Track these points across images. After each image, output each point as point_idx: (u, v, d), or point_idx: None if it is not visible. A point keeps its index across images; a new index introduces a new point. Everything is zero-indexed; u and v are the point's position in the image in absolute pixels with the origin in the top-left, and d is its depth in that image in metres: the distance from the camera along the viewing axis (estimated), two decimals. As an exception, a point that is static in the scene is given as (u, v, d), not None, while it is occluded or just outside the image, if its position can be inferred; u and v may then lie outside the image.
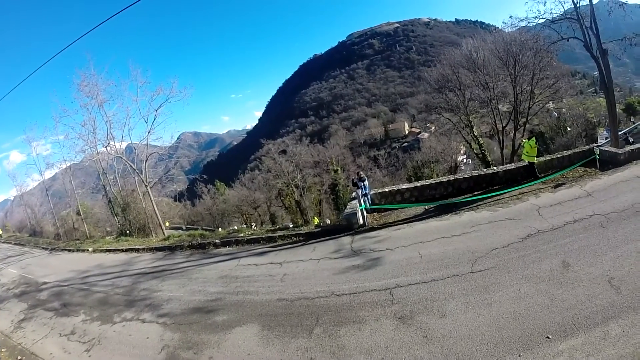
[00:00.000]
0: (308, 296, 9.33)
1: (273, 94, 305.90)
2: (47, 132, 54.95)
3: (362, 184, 16.42)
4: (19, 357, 10.31)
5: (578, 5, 24.43)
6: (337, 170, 45.65)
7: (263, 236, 16.30)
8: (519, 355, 5.99)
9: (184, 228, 60.37)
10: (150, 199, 30.00)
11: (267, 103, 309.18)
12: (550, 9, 26.00)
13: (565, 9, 25.84)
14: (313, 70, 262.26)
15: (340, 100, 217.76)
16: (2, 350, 11.03)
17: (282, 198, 49.81)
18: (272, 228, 20.00)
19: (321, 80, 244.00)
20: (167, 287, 12.91)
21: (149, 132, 29.34)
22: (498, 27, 42.06)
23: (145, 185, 28.96)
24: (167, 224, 45.12)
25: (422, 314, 7.59)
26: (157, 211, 30.38)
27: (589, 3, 24.36)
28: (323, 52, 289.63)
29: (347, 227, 14.55)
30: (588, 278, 7.78)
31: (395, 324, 7.42)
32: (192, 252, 17.37)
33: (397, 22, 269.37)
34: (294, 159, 48.55)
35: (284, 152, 51.49)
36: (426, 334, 6.91)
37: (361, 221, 14.68)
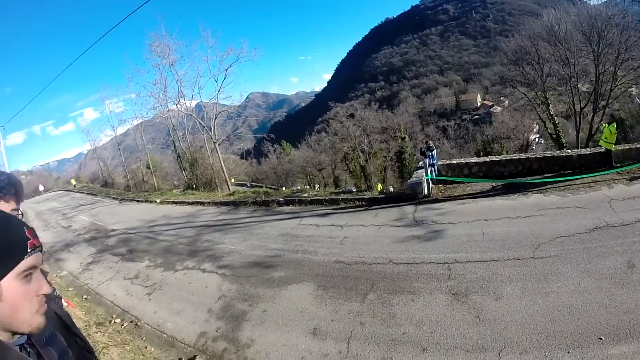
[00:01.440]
0: (366, 261, 9.39)
1: (343, 57, 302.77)
2: (119, 91, 59.97)
3: (430, 154, 16.27)
4: (84, 297, 11.08)
5: None
6: (405, 138, 45.32)
7: (326, 198, 16.52)
8: (568, 352, 5.77)
9: (249, 185, 62.10)
10: (218, 155, 31.16)
11: (336, 66, 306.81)
12: None
13: None
14: (384, 35, 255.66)
15: (411, 66, 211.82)
16: (70, 289, 11.92)
17: (347, 162, 50.19)
18: (336, 191, 20.20)
19: (392, 45, 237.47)
20: (229, 240, 13.42)
21: (218, 91, 30.31)
22: None
23: (214, 142, 30.13)
24: (233, 180, 46.64)
25: (477, 293, 7.49)
26: (223, 167, 31.58)
27: None
28: (395, 16, 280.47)
29: (411, 196, 14.43)
30: None
31: (449, 300, 7.37)
32: (255, 208, 17.95)
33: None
34: (362, 124, 48.68)
35: (351, 116, 51.57)
36: (478, 315, 6.83)
37: (426, 191, 14.54)
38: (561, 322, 6.40)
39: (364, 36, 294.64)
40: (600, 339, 5.91)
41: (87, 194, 41.65)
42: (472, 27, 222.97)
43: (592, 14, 32.91)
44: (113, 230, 19.08)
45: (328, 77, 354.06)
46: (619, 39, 31.00)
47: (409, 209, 13.39)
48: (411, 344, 6.36)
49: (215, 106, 30.88)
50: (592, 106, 34.11)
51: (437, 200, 13.93)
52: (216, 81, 30.28)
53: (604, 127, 16.38)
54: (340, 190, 20.88)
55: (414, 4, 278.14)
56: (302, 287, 8.74)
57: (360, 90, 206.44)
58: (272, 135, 62.48)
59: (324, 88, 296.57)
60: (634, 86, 40.89)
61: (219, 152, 31.57)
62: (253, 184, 65.16)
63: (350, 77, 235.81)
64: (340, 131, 48.52)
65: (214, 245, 13.08)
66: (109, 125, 45.62)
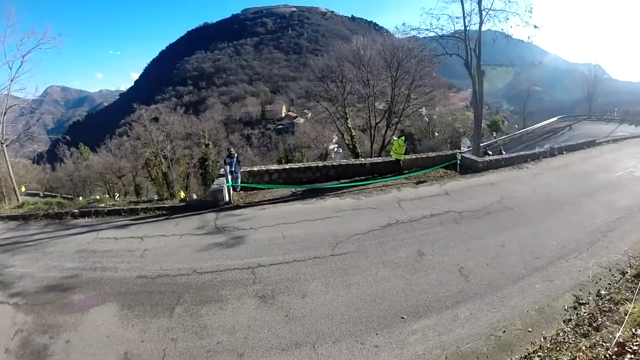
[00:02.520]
0: (169, 273, 9.09)
1: (155, 57, 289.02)
2: None
3: (232, 161, 16.28)
4: None
5: (468, 28, 27.05)
6: (209, 144, 45.78)
7: (125, 208, 15.31)
8: (376, 334, 6.57)
9: (42, 195, 54.62)
10: (6, 159, 26.61)
11: (146, 65, 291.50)
12: (442, 25, 28.52)
13: (456, 28, 28.31)
14: (201, 39, 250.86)
15: (222, 73, 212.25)
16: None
17: (148, 168, 47.56)
18: (135, 200, 19.10)
19: (207, 50, 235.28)
20: (19, 262, 11.51)
21: (11, 81, 25.72)
22: (390, 32, 44.48)
23: (1, 143, 25.68)
24: (24, 189, 40.99)
25: (284, 293, 7.91)
26: (11, 174, 27.21)
27: (478, 28, 27.01)
28: (215, 22, 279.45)
29: (213, 203, 14.42)
30: (441, 266, 8.80)
31: (257, 304, 7.63)
32: (48, 222, 15.78)
33: (295, 7, 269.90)
34: (166, 128, 46.88)
35: (156, 119, 49.07)
36: (287, 314, 7.22)
37: (227, 198, 14.62)
38: (365, 309, 7.23)
39: (179, 37, 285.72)
40: (403, 318, 6.95)
41: None
42: (287, 42, 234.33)
43: (396, 45, 37.64)
44: None
45: (136, 76, 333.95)
46: (415, 68, 36.35)
47: (210, 216, 13.36)
48: (227, 353, 6.41)
49: (6, 98, 26.17)
50: (386, 122, 38.59)
51: (238, 207, 14.18)
52: (10, 68, 25.61)
53: (394, 140, 18.80)
54: (141, 199, 19.85)
55: (235, 13, 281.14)
56: (106, 308, 8.06)
57: (169, 93, 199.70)
58: (69, 137, 55.81)
59: (131, 87, 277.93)
60: (424, 107, 47.84)
61: (7, 155, 27.08)
62: (47, 193, 57.32)
63: (160, 78, 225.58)
64: (143, 135, 45.61)
65: (2, 270, 11.14)
66: None
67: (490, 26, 28.80)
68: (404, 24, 34.64)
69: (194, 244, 10.90)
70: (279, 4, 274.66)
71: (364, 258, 9.29)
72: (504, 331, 6.76)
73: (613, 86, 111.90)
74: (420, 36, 31.80)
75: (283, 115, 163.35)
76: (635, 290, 7.50)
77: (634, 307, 6.22)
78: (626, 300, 7.21)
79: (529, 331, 6.81)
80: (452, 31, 28.76)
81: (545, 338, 6.60)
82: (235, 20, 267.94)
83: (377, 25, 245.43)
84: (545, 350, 6.12)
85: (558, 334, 6.65)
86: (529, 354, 6.17)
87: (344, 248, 9.80)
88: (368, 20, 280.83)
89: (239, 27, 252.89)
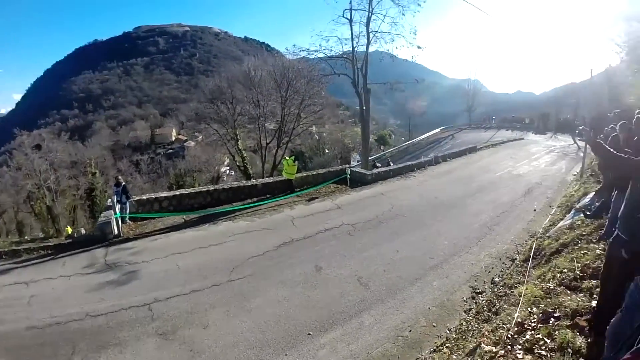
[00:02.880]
0: (61, 320, 8.29)
1: (39, 76, 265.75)
2: None
3: (118, 190, 15.54)
4: None
5: (356, 49, 28.58)
6: (96, 173, 42.64)
7: (6, 250, 13.88)
8: (285, 354, 6.58)
9: None
10: None
11: (29, 86, 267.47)
12: (331, 47, 29.93)
13: (344, 49, 29.78)
14: (89, 57, 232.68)
15: (110, 95, 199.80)
16: None
17: (31, 202, 43.24)
18: (18, 240, 17.56)
19: (95, 70, 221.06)
20: None
21: None
22: (282, 53, 45.34)
23: None
24: None
25: (185, 327, 7.60)
26: None
27: (365, 49, 28.65)
28: (105, 39, 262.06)
29: (102, 237, 13.45)
30: (339, 279, 9.06)
31: (158, 342, 7.24)
32: None
33: (189, 26, 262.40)
34: (49, 157, 43.11)
35: (38, 147, 45.11)
36: (191, 348, 6.95)
37: (116, 231, 13.77)
38: (270, 331, 7.21)
39: (66, 55, 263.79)
40: (309, 334, 7.03)
41: None
42: (178, 63, 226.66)
43: (286, 66, 38.29)
44: None
45: (19, 97, 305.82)
46: (305, 87, 37.42)
47: (99, 252, 12.43)
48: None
49: None
50: (277, 141, 39.05)
51: (128, 240, 13.43)
52: None
53: (285, 160, 19.22)
54: (23, 238, 18.28)
55: (126, 31, 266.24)
56: (-7, 370, 7.22)
57: (53, 117, 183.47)
58: None
59: (12, 110, 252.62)
60: (314, 126, 49.00)
61: None
62: None
63: (44, 100, 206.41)
64: (24, 165, 42.00)
65: None
66: None
67: (377, 47, 30.93)
68: (294, 45, 35.53)
69: (84, 284, 10.09)
70: (172, 22, 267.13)
71: (262, 280, 9.29)
72: (410, 330, 7.14)
73: (490, 97, 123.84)
74: (311, 57, 32.96)
75: (173, 139, 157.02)
76: (526, 273, 8.25)
77: (526, 289, 6.78)
78: (519, 283, 7.88)
79: (434, 326, 7.28)
80: (340, 52, 30.27)
81: (450, 330, 7.10)
82: (126, 39, 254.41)
83: (269, 46, 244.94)
84: (452, 341, 6.58)
85: (461, 324, 7.16)
86: (437, 347, 6.60)
87: (242, 272, 9.73)
88: (261, 41, 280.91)
89: (130, 46, 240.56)
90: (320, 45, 30.35)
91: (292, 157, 18.92)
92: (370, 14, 29.13)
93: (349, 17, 29.27)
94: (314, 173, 20.82)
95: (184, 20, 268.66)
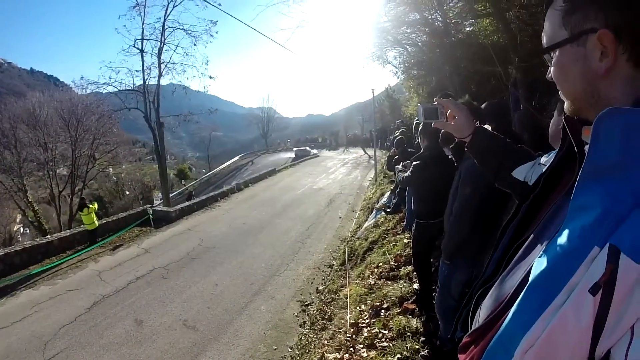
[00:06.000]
0: None
1: None
2: None
3: None
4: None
5: (148, 81, 27.67)
6: None
7: None
8: None
9: None
10: None
11: None
12: (122, 79, 28.44)
13: (136, 82, 28.64)
14: None
15: None
16: None
17: None
18: None
19: None
20: None
21: None
22: (70, 86, 41.28)
23: None
24: None
25: None
26: None
27: (157, 81, 27.92)
28: None
29: None
30: (164, 328, 8.47)
31: None
32: None
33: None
34: None
35: None
36: None
37: None
38: None
39: None
40: None
41: None
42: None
43: (75, 101, 34.76)
44: None
45: None
46: (95, 125, 34.66)
47: None
48: None
49: None
50: (70, 188, 35.33)
51: None
52: None
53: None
54: None
55: None
56: None
57: None
58: None
59: None
60: (110, 167, 45.68)
61: None
62: None
63: None
64: None
65: None
66: None
67: (170, 79, 30.52)
68: (82, 77, 32.85)
69: None
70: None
71: (81, 350, 8.14)
72: (252, 359, 7.08)
73: (284, 122, 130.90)
74: (101, 91, 31.00)
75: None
76: (346, 275, 8.87)
77: (350, 290, 7.25)
78: (342, 286, 8.40)
79: (275, 349, 7.28)
80: (132, 85, 29.11)
81: (292, 347, 7.16)
82: None
83: (57, 79, 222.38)
84: (297, 358, 6.65)
85: (300, 339, 7.27)
86: (282, 367, 6.62)
87: (56, 347, 8.42)
88: (49, 74, 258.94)
89: None
90: (110, 77, 28.60)
91: (85, 205, 17.37)
92: (162, 44, 28.41)
93: (140, 47, 28.25)
94: (114, 218, 19.22)
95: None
